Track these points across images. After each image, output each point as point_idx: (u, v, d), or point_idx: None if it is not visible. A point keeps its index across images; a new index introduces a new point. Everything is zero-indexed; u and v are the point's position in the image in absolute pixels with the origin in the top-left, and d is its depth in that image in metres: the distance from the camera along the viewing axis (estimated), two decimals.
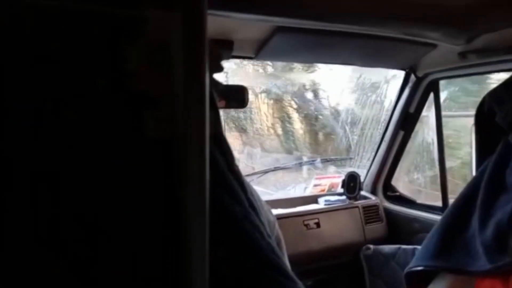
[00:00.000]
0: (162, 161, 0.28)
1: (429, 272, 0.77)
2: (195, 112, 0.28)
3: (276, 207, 1.90)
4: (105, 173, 0.27)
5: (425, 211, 1.91)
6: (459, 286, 0.70)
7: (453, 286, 0.71)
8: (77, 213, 0.26)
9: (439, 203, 1.91)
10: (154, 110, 0.28)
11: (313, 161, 2.57)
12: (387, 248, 1.84)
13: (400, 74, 2.02)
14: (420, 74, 1.93)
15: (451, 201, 1.84)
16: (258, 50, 1.48)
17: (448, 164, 1.97)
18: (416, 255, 0.80)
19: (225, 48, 1.40)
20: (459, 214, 0.77)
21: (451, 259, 0.73)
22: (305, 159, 2.82)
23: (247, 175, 2.31)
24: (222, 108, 1.88)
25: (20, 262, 0.24)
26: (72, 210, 0.27)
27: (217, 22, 1.25)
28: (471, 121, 1.02)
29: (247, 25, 1.30)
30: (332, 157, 2.70)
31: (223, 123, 0.58)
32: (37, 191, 0.25)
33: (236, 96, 1.56)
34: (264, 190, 2.61)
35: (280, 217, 1.78)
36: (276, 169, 2.51)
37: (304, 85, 3.03)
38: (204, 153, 0.28)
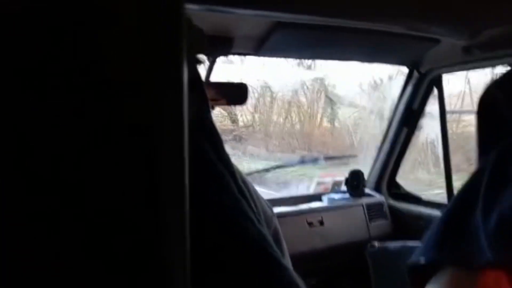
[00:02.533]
0: (141, 148, 0.26)
1: (432, 265, 0.75)
2: (171, 96, 0.27)
3: (279, 205, 1.88)
4: (82, 161, 0.26)
5: (431, 208, 1.89)
6: (462, 279, 0.68)
7: (455, 279, 0.69)
8: (53, 200, 0.25)
9: (444, 200, 1.90)
10: (131, 96, 0.26)
11: (316, 159, 2.55)
12: (393, 245, 1.82)
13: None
14: (423, 70, 1.91)
15: None
16: (259, 47, 1.47)
17: None
18: (418, 249, 0.78)
19: (224, 44, 1.38)
20: (462, 206, 0.75)
21: (453, 252, 0.71)
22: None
23: (248, 174, 2.29)
24: (223, 105, 1.87)
25: None
26: (49, 197, 0.25)
27: (216, 18, 1.23)
28: None
29: (247, 21, 1.29)
30: (336, 155, 2.68)
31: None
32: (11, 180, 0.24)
33: (237, 93, 1.55)
34: (265, 191, 2.59)
35: (283, 215, 1.77)
36: (278, 167, 2.49)
37: None
38: (182, 138, 0.27)
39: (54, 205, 0.25)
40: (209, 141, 0.48)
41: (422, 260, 0.76)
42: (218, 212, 0.46)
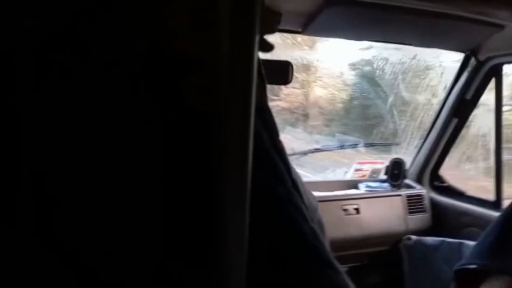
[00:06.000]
0: (201, 135, 0.24)
1: (483, 271, 0.70)
2: (240, 81, 0.24)
3: (314, 190, 1.85)
4: (137, 144, 0.24)
5: (475, 205, 1.79)
6: None
7: None
8: (104, 189, 0.23)
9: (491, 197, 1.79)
10: (195, 77, 0.24)
11: (355, 144, 2.47)
12: (430, 240, 1.75)
13: None
14: (481, 58, 1.77)
15: (505, 195, 1.72)
16: (306, 24, 1.41)
17: None
18: (470, 252, 0.73)
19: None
20: None
21: (509, 260, 0.66)
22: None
23: None
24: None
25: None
26: (100, 187, 0.24)
27: None
28: None
29: None
30: (376, 142, 2.59)
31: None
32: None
33: (279, 72, 1.50)
34: (303, 173, 2.55)
35: (318, 200, 1.73)
36: (316, 151, 2.44)
37: None
38: (248, 127, 0.24)
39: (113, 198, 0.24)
40: (266, 129, 0.45)
41: (473, 265, 0.71)
42: (273, 205, 0.43)
